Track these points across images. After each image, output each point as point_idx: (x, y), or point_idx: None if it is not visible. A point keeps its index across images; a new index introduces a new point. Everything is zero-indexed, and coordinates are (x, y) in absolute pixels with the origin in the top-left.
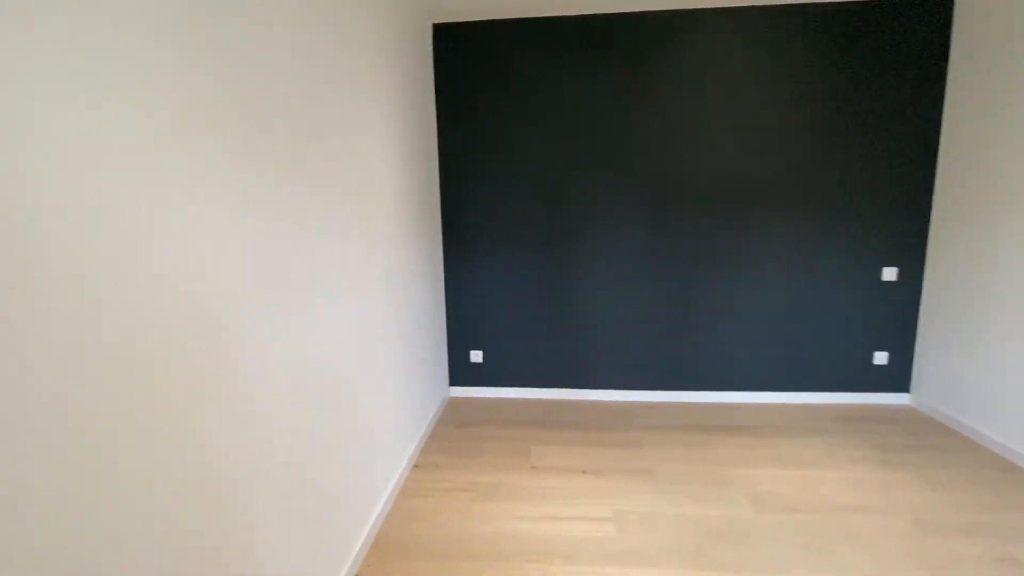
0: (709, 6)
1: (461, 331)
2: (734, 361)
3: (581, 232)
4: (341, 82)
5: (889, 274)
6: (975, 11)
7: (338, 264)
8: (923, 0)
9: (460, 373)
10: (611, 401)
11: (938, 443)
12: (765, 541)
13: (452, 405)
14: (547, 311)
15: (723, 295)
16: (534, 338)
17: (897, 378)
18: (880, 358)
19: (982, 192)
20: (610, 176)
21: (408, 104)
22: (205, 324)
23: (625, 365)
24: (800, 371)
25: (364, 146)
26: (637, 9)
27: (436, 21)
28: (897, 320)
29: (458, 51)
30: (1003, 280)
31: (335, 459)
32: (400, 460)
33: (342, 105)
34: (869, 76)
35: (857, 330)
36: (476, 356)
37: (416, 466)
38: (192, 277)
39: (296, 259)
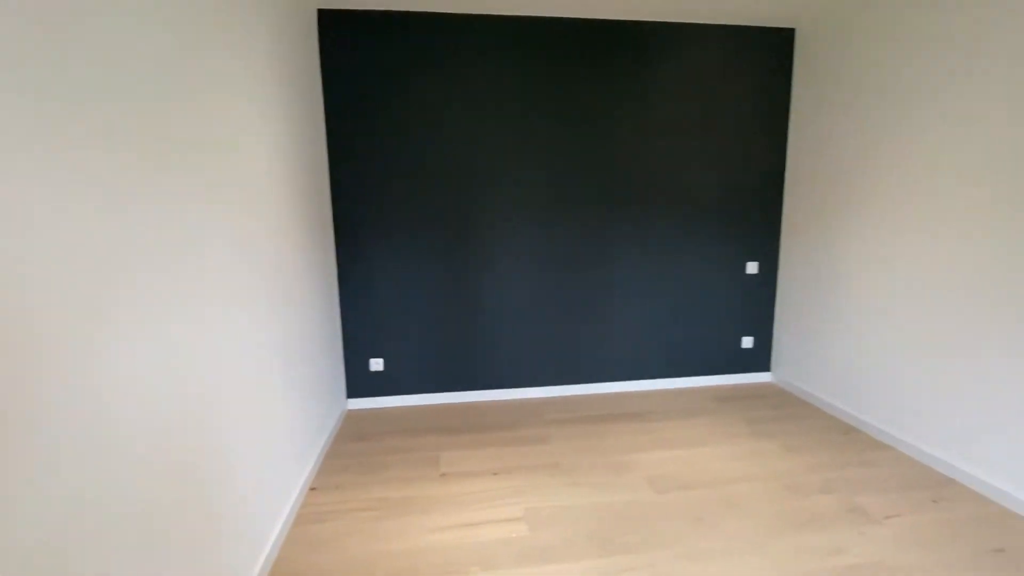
0: (601, 17)
1: (359, 339)
2: (625, 353)
3: (482, 231)
4: (199, 67)
5: (752, 268)
6: (810, 38)
7: (196, 270)
8: (769, 28)
9: (359, 384)
10: (518, 399)
11: (795, 413)
12: (663, 519)
13: (352, 419)
14: (450, 313)
15: (612, 291)
16: (437, 342)
17: (761, 359)
18: (747, 342)
19: (819, 199)
20: (511, 175)
21: (290, 96)
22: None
23: (529, 363)
24: (681, 358)
25: (228, 138)
26: (543, 14)
27: (321, 7)
28: (759, 308)
29: (349, 40)
30: (836, 274)
31: (201, 498)
32: (292, 485)
33: (202, 93)
34: (731, 91)
35: (727, 318)
36: (376, 364)
37: (313, 489)
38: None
39: (140, 263)
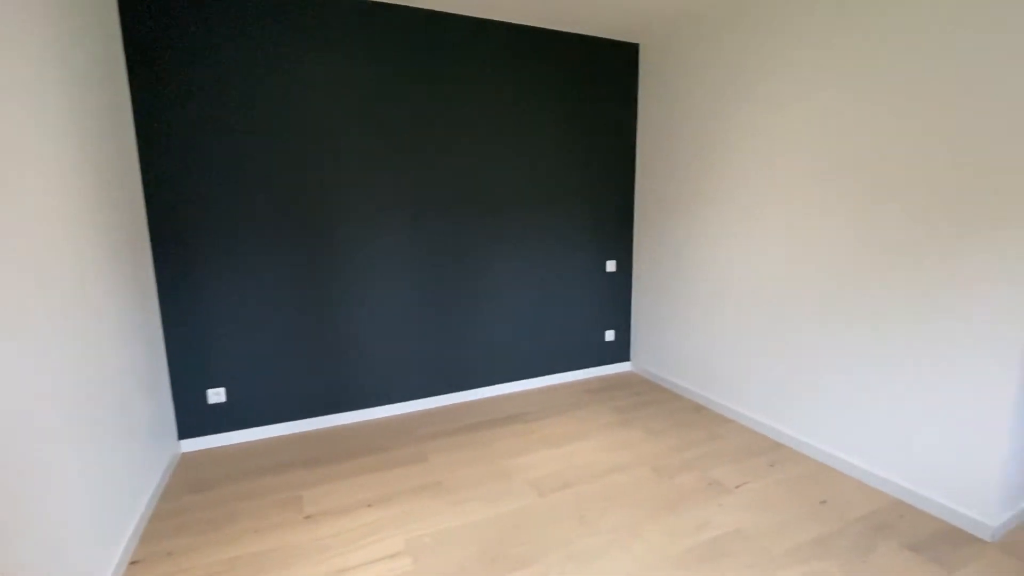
0: (468, 14)
1: (191, 367)
2: (498, 355)
3: (339, 237)
4: None
5: (611, 266)
6: (651, 52)
7: None
8: (618, 41)
9: (194, 420)
10: (390, 417)
11: (654, 398)
12: (549, 524)
13: (188, 464)
14: (304, 329)
15: (481, 296)
16: (291, 362)
17: (622, 350)
18: (610, 335)
19: (663, 201)
20: (371, 175)
21: (76, 89)
22: None
23: (400, 375)
24: (552, 355)
25: None
26: (397, 1)
27: None
28: (619, 303)
29: (165, 10)
30: (679, 268)
31: None
32: (102, 565)
33: None
34: (588, 97)
35: (592, 315)
36: (216, 395)
37: (135, 563)
38: None
39: None
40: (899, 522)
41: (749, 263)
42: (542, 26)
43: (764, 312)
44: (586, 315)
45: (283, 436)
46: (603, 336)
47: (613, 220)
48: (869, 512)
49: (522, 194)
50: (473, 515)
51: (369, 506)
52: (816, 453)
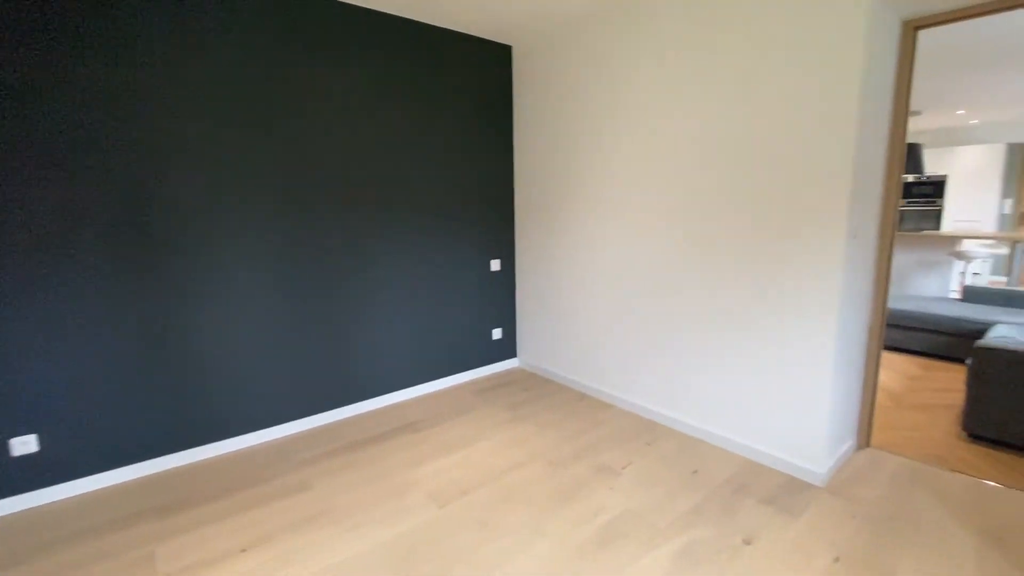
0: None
1: None
2: (385, 362)
3: (188, 239)
4: None
5: (495, 265)
6: (523, 55)
7: None
8: (492, 42)
9: None
10: (263, 444)
11: (542, 392)
12: (452, 535)
13: None
14: (146, 351)
15: (365, 302)
16: (129, 393)
17: (509, 347)
18: (497, 334)
19: (539, 199)
20: (229, 172)
21: None
22: None
23: (271, 396)
24: (442, 358)
25: None
26: None
27: None
28: (504, 301)
29: None
30: (554, 264)
31: None
32: None
33: None
34: (466, 98)
35: (479, 314)
36: (24, 444)
37: None
38: None
39: None
40: (754, 480)
41: (612, 257)
42: (424, 20)
43: (628, 302)
44: (474, 315)
45: (122, 484)
46: (491, 334)
47: (496, 219)
48: (731, 475)
49: (405, 193)
50: (369, 541)
51: (243, 551)
52: (685, 428)
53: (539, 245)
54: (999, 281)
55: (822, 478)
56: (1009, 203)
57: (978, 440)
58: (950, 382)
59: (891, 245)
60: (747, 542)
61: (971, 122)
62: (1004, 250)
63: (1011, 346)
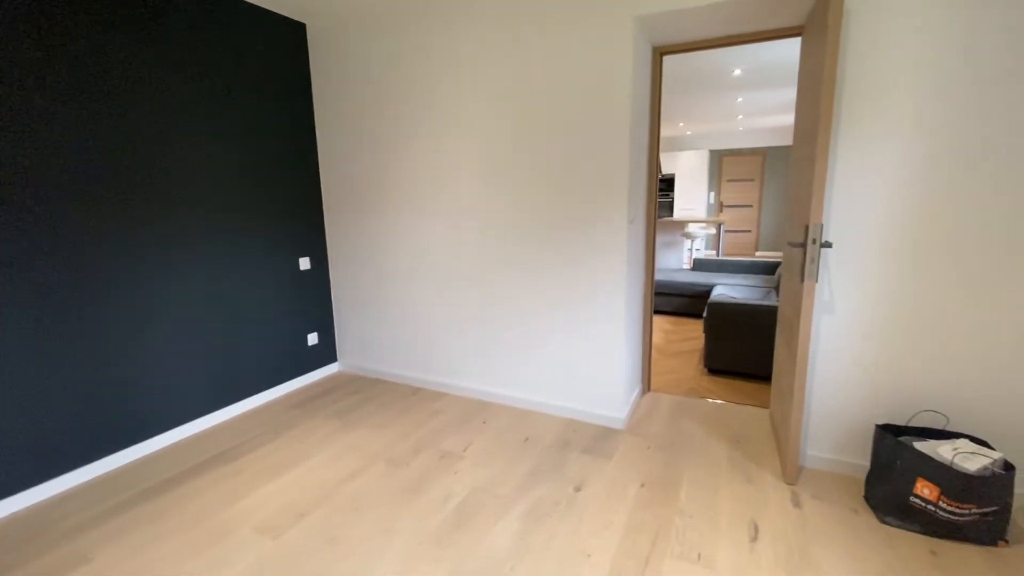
0: None
1: None
2: (177, 389)
3: None
4: None
5: (305, 263)
6: (320, 36)
7: None
8: (285, 19)
9: None
10: (16, 515)
11: (372, 393)
12: (296, 563)
13: None
14: None
15: (150, 322)
16: None
17: (328, 352)
18: (313, 339)
19: (352, 190)
20: None
21: None
22: None
23: (22, 452)
24: (250, 374)
25: None
26: None
27: None
28: (318, 303)
29: None
30: (373, 258)
31: None
32: None
33: None
34: (265, 81)
35: (291, 320)
36: None
37: None
38: None
39: None
40: (574, 436)
41: (432, 245)
42: None
43: (452, 290)
44: (283, 321)
45: None
46: (306, 340)
47: (302, 213)
48: (556, 436)
49: (190, 187)
50: None
51: None
52: (515, 403)
53: (353, 238)
54: (711, 254)
55: (623, 422)
56: (713, 195)
57: (715, 373)
58: (692, 333)
59: (655, 228)
60: (578, 489)
61: (687, 133)
62: (712, 230)
63: (728, 300)
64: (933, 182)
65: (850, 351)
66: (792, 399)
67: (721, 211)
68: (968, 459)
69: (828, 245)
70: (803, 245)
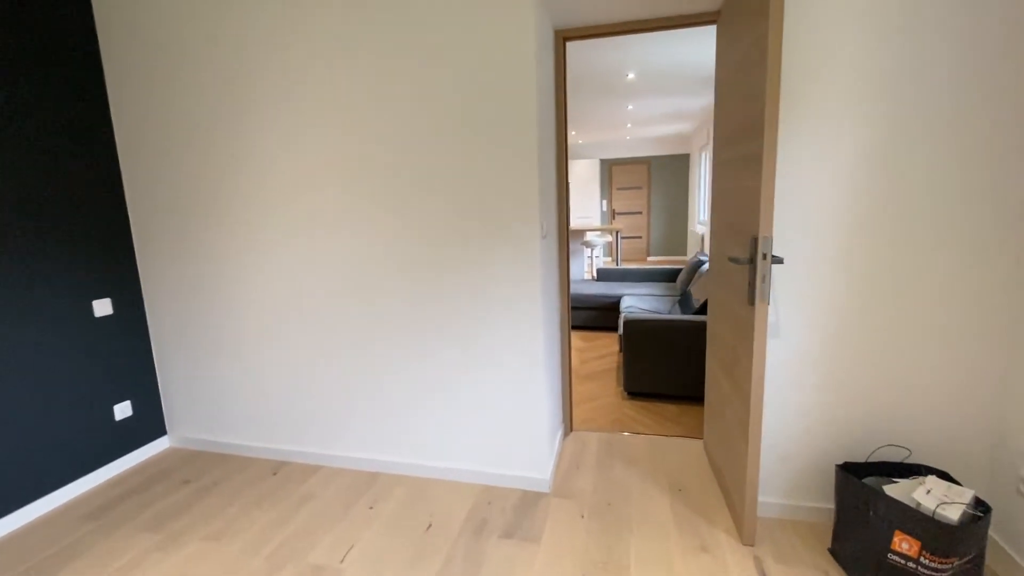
0: None
1: None
2: None
3: None
4: None
5: (104, 307)
6: (112, 19)
7: None
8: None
9: None
10: None
11: (214, 478)
12: None
13: None
14: None
15: None
16: None
17: (149, 425)
18: (123, 410)
19: (176, 209)
20: None
21: None
22: None
23: None
24: (18, 474)
25: None
26: None
27: None
28: (129, 359)
29: None
30: (212, 304)
31: None
32: None
33: None
34: (26, 68)
35: (85, 385)
36: None
37: None
38: None
39: None
40: (491, 511)
41: (297, 276)
42: None
43: (323, 334)
44: (71, 390)
45: None
46: (112, 413)
47: (94, 239)
48: (468, 513)
49: None
50: None
51: None
52: (411, 470)
53: (179, 269)
54: (608, 260)
55: (548, 483)
56: (605, 203)
57: (635, 396)
58: (604, 348)
59: (568, 241)
60: None
61: (579, 142)
62: (609, 237)
63: (646, 317)
64: (891, 182)
65: (801, 381)
66: (741, 445)
67: (614, 218)
68: (948, 506)
69: (779, 260)
70: (750, 261)
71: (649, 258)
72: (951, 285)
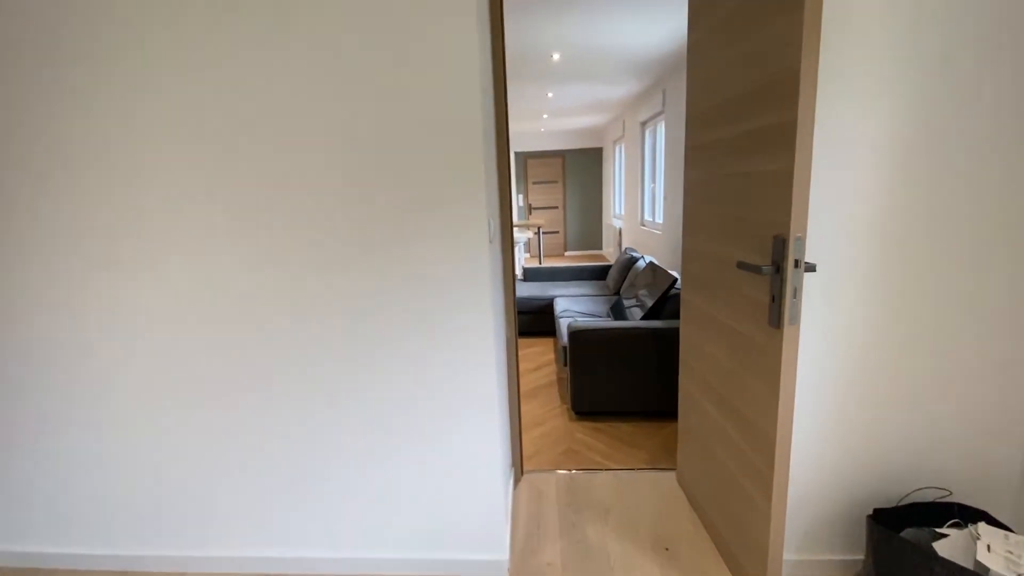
0: None
1: None
2: None
3: None
4: None
5: None
6: None
7: None
8: None
9: None
10: None
11: None
12: None
13: None
14: None
15: None
16: None
17: None
18: None
19: None
20: None
21: None
22: None
23: None
24: None
25: None
26: None
27: None
28: None
29: None
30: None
31: None
32: None
33: None
34: None
35: None
36: None
37: None
38: None
39: None
40: None
41: (156, 304)
42: None
43: (192, 376)
44: None
45: None
46: None
47: None
48: None
49: None
50: None
51: None
52: (316, 567)
53: None
54: (529, 257)
55: (506, 564)
56: (522, 197)
57: (584, 415)
58: (542, 357)
59: (512, 244)
60: None
61: None
62: (531, 234)
63: (592, 326)
64: (937, 176)
65: (819, 411)
66: (754, 500)
67: (531, 213)
68: (1017, 564)
69: (812, 268)
70: (775, 270)
71: (567, 253)
72: (1004, 308)
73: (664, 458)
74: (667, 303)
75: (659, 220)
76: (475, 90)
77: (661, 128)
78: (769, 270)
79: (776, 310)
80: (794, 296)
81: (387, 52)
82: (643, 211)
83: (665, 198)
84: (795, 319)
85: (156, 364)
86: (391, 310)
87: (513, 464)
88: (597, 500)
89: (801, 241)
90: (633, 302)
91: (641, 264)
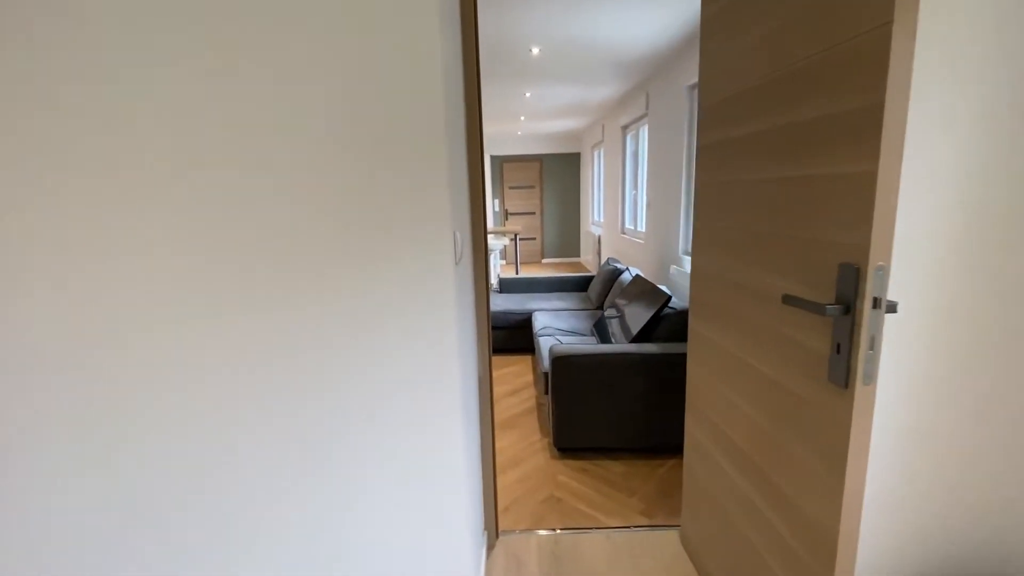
0: None
1: None
2: None
3: None
4: None
5: None
6: None
7: None
8: None
9: None
10: None
11: None
12: None
13: None
14: None
15: None
16: None
17: None
18: None
19: None
20: None
21: None
22: None
23: None
24: None
25: None
26: None
27: None
28: None
29: None
30: None
31: None
32: None
33: None
34: None
35: None
36: None
37: None
38: None
39: None
40: None
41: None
42: None
43: (109, 424)
44: None
45: None
46: None
47: None
48: None
49: None
50: None
51: None
52: None
53: None
54: (505, 264)
55: None
56: (498, 202)
57: (567, 453)
58: (519, 380)
59: (487, 255)
60: None
61: None
62: (507, 240)
63: (577, 352)
64: None
65: (884, 478)
66: None
67: (507, 219)
68: None
69: (893, 309)
70: (845, 311)
71: (544, 260)
72: None
73: (663, 507)
74: (660, 323)
75: (641, 228)
76: (437, 83)
77: (644, 132)
78: (835, 311)
79: (843, 364)
80: (871, 347)
81: (322, 17)
82: (624, 219)
83: (649, 206)
84: (870, 377)
85: (81, 387)
86: (330, 362)
87: (486, 527)
88: (588, 570)
89: (884, 272)
90: (618, 320)
91: (627, 277)
